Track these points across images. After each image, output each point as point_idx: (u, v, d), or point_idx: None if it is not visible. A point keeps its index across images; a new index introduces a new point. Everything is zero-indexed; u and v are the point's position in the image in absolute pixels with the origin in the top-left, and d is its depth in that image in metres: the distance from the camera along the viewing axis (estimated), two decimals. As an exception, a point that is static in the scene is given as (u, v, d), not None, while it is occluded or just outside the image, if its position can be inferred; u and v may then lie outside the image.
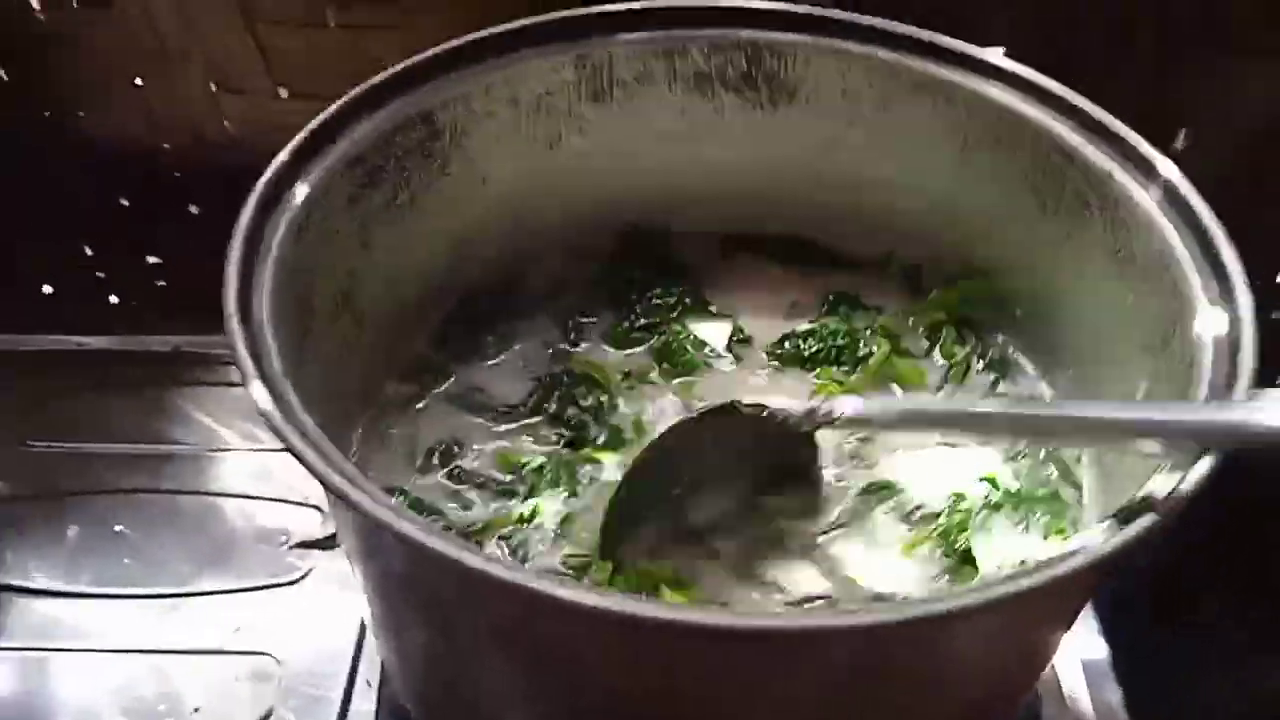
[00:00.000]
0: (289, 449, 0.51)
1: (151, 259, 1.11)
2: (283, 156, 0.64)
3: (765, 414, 0.66)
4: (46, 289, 1.12)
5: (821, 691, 0.54)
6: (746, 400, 0.66)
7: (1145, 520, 0.49)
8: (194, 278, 1.08)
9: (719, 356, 0.78)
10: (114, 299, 1.13)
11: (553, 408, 0.74)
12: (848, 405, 0.64)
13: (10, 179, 1.06)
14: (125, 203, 1.09)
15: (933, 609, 0.47)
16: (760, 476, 0.69)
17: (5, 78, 1.02)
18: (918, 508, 0.69)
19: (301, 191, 0.64)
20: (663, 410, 0.74)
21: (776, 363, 0.77)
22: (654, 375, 0.76)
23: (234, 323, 0.56)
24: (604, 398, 0.74)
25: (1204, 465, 0.51)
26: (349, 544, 0.62)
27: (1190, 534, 0.54)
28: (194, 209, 1.08)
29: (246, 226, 0.60)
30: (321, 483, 0.50)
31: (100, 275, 1.12)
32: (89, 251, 1.11)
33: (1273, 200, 0.89)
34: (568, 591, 0.44)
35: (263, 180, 0.63)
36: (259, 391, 0.53)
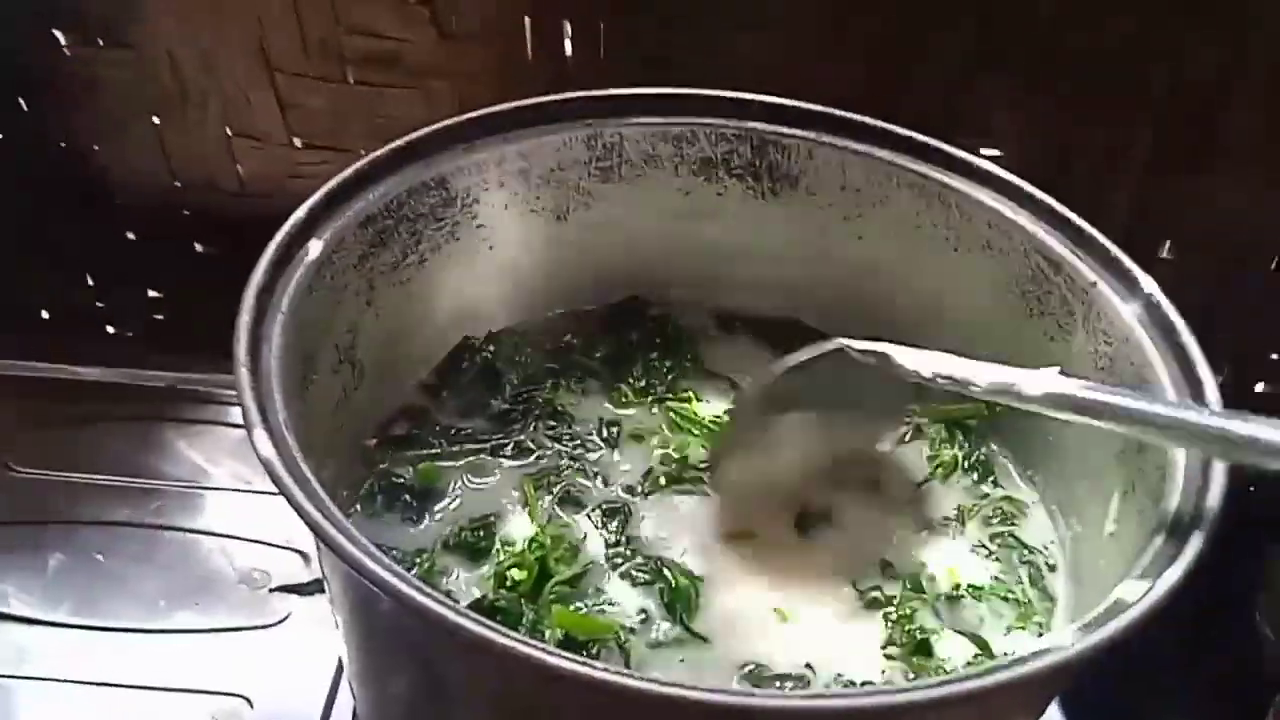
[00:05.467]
0: (289, 501, 0.52)
1: (152, 293, 1.13)
2: (299, 213, 0.66)
3: (876, 360, 0.65)
4: (44, 314, 1.13)
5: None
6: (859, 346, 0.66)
7: (1116, 623, 0.50)
8: (194, 315, 1.10)
9: (718, 417, 0.77)
10: (110, 329, 1.14)
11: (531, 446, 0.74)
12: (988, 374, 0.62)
13: (19, 205, 1.08)
14: (131, 236, 1.10)
15: (905, 698, 0.48)
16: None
17: (25, 107, 1.04)
18: (876, 586, 0.68)
19: (315, 248, 0.65)
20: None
21: None
22: (649, 430, 0.76)
23: (243, 371, 0.57)
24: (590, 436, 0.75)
25: (1175, 573, 0.52)
26: (337, 596, 0.62)
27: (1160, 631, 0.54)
28: (199, 248, 1.10)
29: (260, 280, 0.61)
30: (321, 539, 0.51)
31: (99, 305, 1.13)
32: (90, 281, 1.13)
33: (1249, 313, 0.92)
34: (566, 663, 0.45)
35: (279, 236, 0.64)
36: (262, 440, 0.54)
